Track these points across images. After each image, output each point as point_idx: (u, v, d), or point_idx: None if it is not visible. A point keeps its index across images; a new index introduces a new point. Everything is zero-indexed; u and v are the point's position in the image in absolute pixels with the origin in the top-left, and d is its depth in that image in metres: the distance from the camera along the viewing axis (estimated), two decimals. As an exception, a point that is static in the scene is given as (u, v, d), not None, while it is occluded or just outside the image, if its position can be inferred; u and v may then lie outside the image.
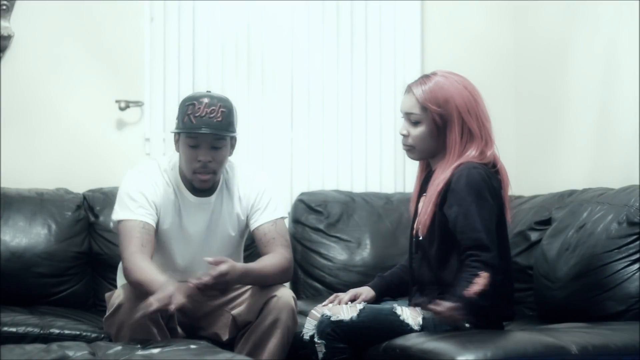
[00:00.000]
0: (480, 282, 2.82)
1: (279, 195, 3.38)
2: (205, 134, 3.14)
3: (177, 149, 3.25)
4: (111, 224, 3.32)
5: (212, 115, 3.15)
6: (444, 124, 2.99)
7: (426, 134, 3.02)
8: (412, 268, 3.12)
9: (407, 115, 3.06)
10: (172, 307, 2.88)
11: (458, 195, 2.92)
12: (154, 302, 2.86)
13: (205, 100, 3.17)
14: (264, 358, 3.09)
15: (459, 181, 2.92)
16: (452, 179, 2.94)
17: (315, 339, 2.95)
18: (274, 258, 3.19)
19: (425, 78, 3.05)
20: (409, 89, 3.06)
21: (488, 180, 2.96)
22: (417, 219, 3.04)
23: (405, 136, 3.07)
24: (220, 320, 3.21)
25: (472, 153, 2.98)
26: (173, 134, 3.25)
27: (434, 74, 3.05)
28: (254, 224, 3.29)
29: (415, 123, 3.03)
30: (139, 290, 3.03)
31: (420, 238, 3.02)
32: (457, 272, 2.93)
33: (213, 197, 3.28)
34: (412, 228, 3.12)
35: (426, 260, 3.02)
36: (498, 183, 3.00)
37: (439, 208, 2.96)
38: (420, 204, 3.08)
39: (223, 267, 3.00)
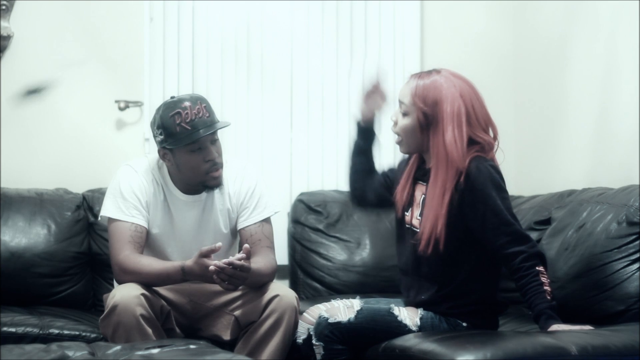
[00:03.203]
0: (546, 281, 2.86)
1: (268, 190, 3.36)
2: (206, 134, 3.13)
3: (171, 162, 3.20)
4: (99, 217, 3.33)
5: (200, 115, 3.14)
6: (427, 124, 2.96)
7: (410, 127, 3.00)
8: (405, 258, 3.08)
9: (399, 103, 3.04)
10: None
11: (480, 193, 2.89)
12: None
13: (187, 103, 3.15)
14: (264, 358, 3.08)
15: (478, 179, 2.89)
16: (465, 176, 2.89)
17: (314, 341, 2.95)
18: (265, 260, 3.17)
19: (426, 73, 3.02)
20: (409, 79, 3.04)
21: (500, 172, 2.96)
22: (424, 213, 2.96)
23: (394, 123, 3.06)
24: (221, 321, 3.20)
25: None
26: (158, 150, 3.22)
27: (438, 71, 3.00)
28: (241, 224, 3.29)
29: (404, 114, 3.01)
30: (155, 285, 3.08)
31: (418, 231, 2.98)
32: (478, 270, 2.96)
33: (203, 193, 3.27)
34: (402, 214, 3.08)
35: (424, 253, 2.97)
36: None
37: (455, 207, 2.91)
38: (418, 194, 3.04)
39: (247, 262, 2.99)
